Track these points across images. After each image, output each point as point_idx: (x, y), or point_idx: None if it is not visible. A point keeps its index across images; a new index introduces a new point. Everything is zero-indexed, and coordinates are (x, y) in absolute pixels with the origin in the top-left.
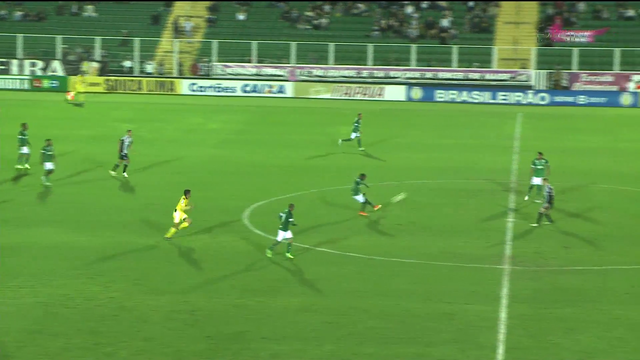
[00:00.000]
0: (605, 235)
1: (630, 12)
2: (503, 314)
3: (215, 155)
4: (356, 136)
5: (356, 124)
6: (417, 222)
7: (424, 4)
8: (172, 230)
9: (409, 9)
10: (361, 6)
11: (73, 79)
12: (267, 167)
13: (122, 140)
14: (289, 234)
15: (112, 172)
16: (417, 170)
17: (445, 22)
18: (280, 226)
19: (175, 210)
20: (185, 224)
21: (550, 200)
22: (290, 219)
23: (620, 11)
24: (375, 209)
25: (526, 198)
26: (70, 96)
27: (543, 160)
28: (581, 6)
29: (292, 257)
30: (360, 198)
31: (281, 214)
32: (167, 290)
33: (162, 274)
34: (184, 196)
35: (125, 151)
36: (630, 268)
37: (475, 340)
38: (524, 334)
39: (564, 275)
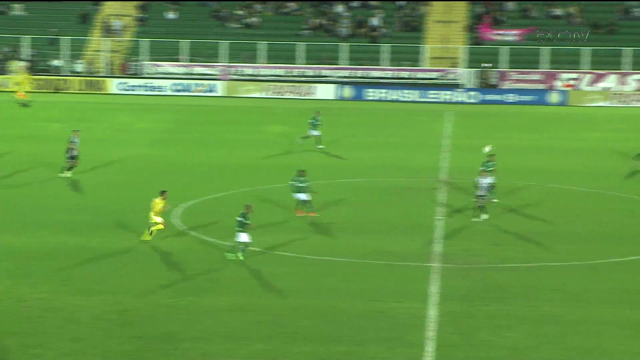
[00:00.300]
0: (535, 233)
1: (558, 11)
2: (433, 312)
3: (145, 154)
4: (317, 134)
5: (314, 121)
6: (349, 220)
7: (355, 3)
8: (159, 226)
9: (340, 8)
10: (292, 5)
11: (21, 77)
12: (197, 166)
13: (74, 141)
14: (244, 237)
15: (67, 174)
16: (348, 168)
17: (375, 21)
18: (239, 228)
19: (153, 214)
20: (156, 227)
21: (488, 191)
22: (240, 219)
23: (548, 10)
24: (312, 215)
25: (495, 199)
26: (19, 95)
27: (495, 162)
28: (510, 5)
29: (235, 259)
30: (302, 196)
31: (238, 218)
32: (96, 290)
33: (91, 274)
34: (160, 197)
35: (76, 152)
36: (559, 265)
37: (406, 338)
38: (454, 332)
39: (494, 272)
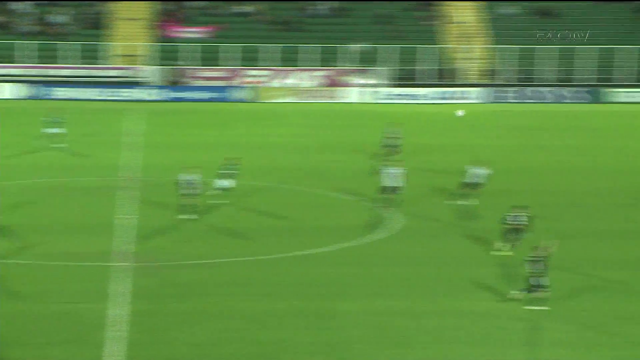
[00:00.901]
0: (221, 229)
1: (245, 9)
2: (121, 311)
3: None
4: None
5: (55, 120)
6: (34, 222)
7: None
8: None
9: (21, 5)
10: None
11: None
12: None
13: None
14: None
15: None
16: (31, 169)
17: (60, 18)
18: None
19: None
20: None
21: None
22: None
23: (235, 8)
24: None
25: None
26: None
27: (238, 165)
28: (197, 3)
29: None
30: None
31: None
32: None
33: None
34: None
35: None
36: (246, 260)
37: (93, 339)
38: (142, 330)
39: (183, 269)
